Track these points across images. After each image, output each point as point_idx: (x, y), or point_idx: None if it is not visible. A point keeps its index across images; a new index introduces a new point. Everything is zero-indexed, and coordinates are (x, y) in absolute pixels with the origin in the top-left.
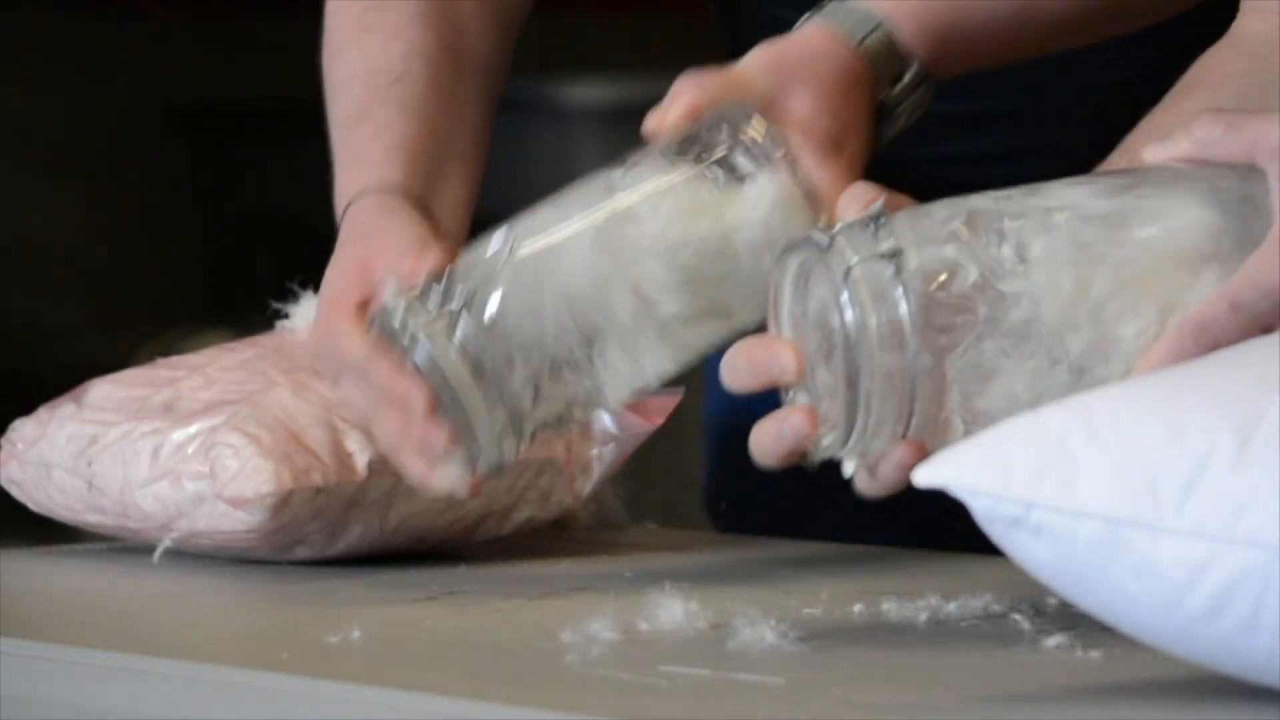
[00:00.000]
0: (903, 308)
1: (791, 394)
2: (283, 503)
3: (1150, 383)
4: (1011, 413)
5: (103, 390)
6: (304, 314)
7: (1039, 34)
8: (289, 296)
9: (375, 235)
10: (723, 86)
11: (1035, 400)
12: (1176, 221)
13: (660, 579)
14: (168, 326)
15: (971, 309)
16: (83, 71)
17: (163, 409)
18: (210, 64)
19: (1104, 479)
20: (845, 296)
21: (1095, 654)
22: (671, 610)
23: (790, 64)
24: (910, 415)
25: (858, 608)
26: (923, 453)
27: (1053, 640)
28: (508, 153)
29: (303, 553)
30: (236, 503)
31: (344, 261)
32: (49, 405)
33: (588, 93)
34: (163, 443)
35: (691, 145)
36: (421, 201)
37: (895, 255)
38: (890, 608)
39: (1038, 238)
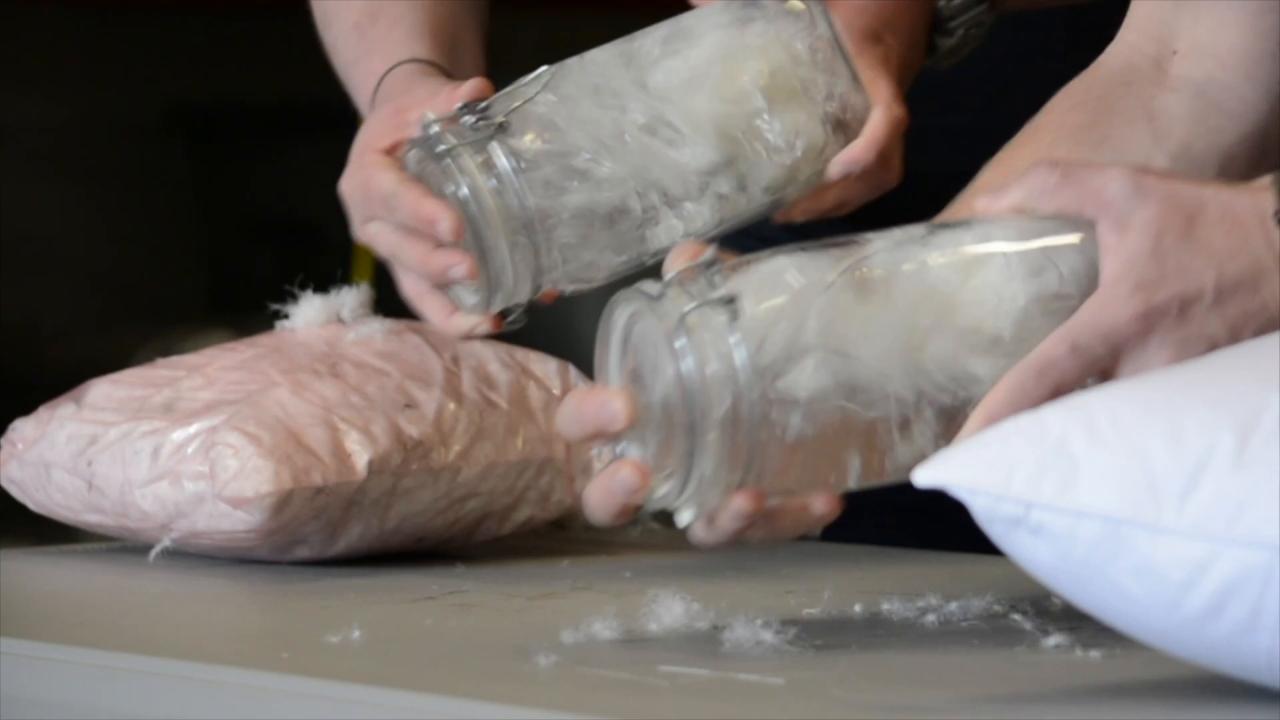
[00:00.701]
0: (738, 355)
1: (622, 445)
2: (283, 503)
3: (1150, 383)
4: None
5: (103, 390)
6: (304, 314)
7: None
8: (289, 296)
9: (411, 91)
10: None
11: (882, 441)
12: (1010, 269)
13: (660, 579)
14: (168, 326)
15: (808, 355)
16: (83, 71)
17: (163, 409)
18: (210, 64)
19: (1104, 479)
20: (680, 344)
21: (1095, 654)
22: (671, 610)
23: None
24: (748, 464)
25: (858, 608)
26: (760, 501)
27: (1053, 640)
28: None
29: (303, 553)
30: (236, 503)
31: (380, 114)
32: (49, 405)
33: None
34: (163, 443)
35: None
36: (447, 74)
37: (730, 302)
38: (890, 608)
39: (875, 286)
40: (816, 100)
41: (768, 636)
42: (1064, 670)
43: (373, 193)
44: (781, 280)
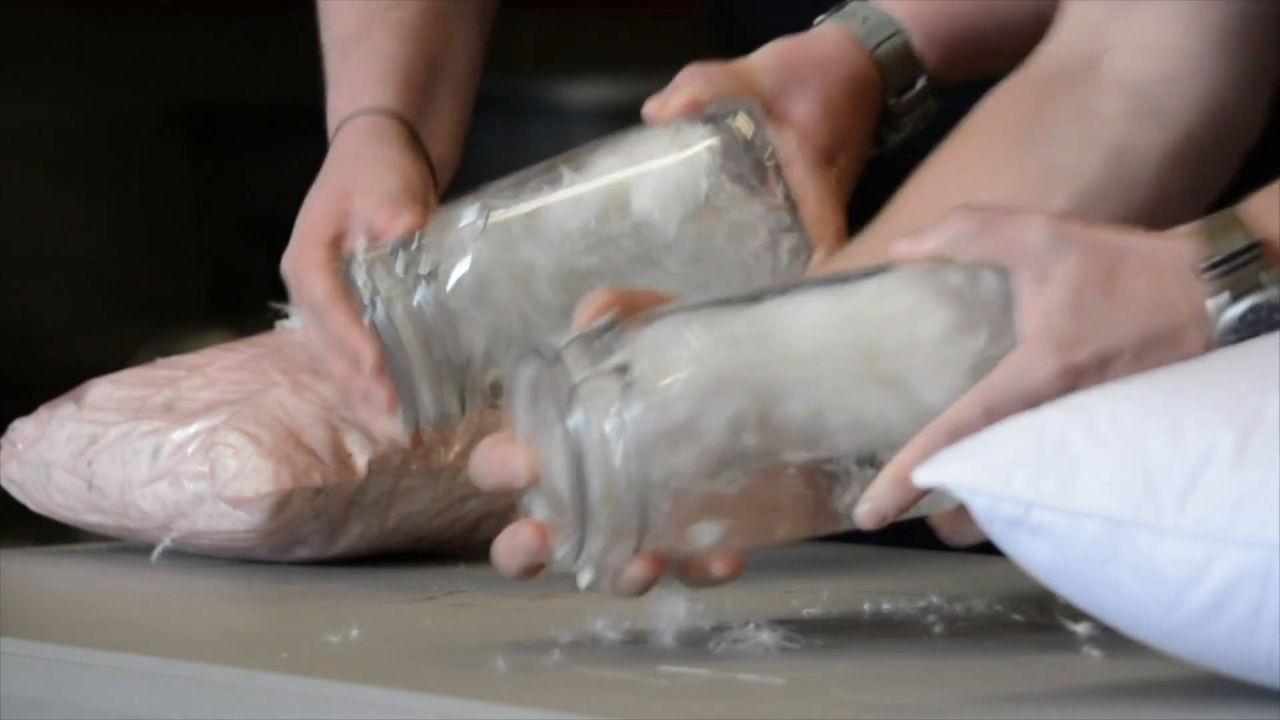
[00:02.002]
0: (629, 425)
1: (527, 500)
2: (282, 503)
3: (1150, 383)
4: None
5: (103, 390)
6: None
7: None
8: (289, 296)
9: (360, 168)
10: (727, 80)
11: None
12: (926, 322)
13: (660, 579)
14: (168, 326)
15: (704, 418)
16: (83, 71)
17: (163, 409)
18: (210, 64)
19: (1104, 479)
20: (573, 411)
21: (1095, 654)
22: (672, 610)
23: (800, 65)
24: (642, 530)
25: (858, 608)
26: (659, 566)
27: (1053, 640)
28: (507, 153)
29: (303, 553)
30: (236, 503)
31: (324, 191)
32: (49, 405)
33: (587, 93)
34: (163, 443)
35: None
36: (412, 128)
37: (623, 369)
38: (891, 608)
39: (787, 346)
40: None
41: (768, 636)
42: (1064, 670)
43: (304, 297)
44: (681, 338)
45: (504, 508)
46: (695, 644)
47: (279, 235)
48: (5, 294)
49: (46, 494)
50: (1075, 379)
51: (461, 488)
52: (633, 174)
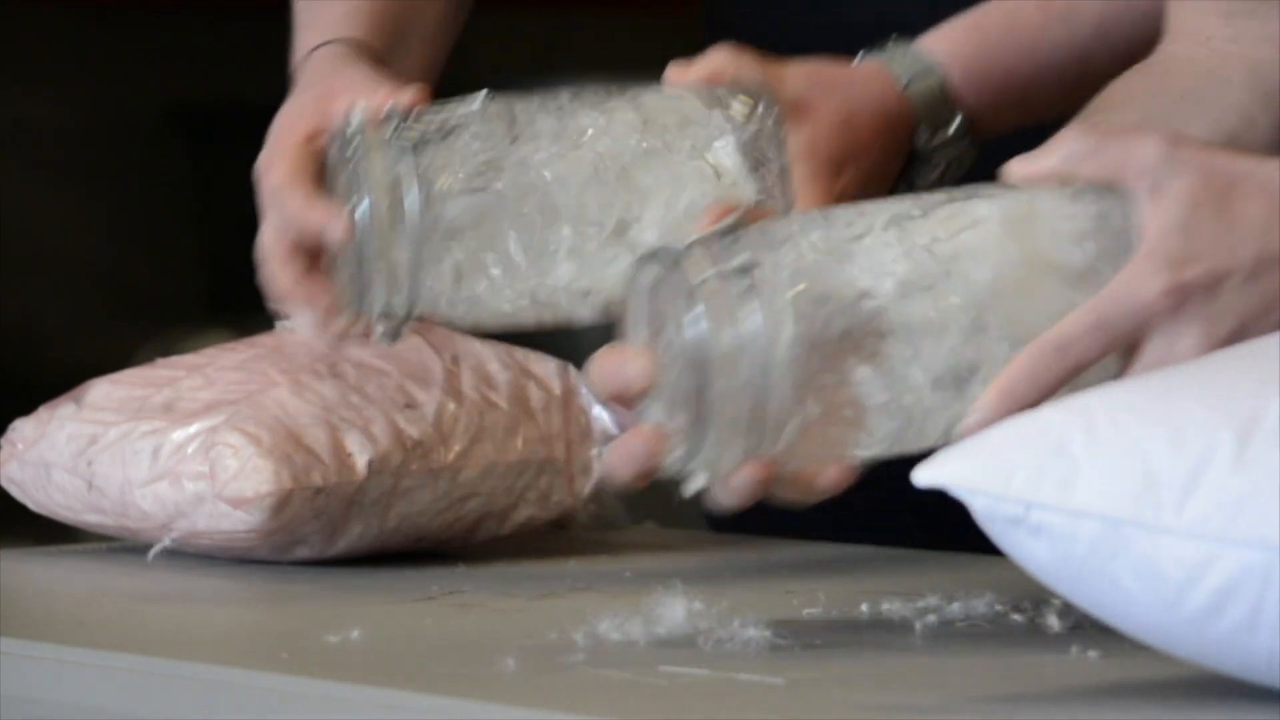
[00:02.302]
0: (753, 324)
1: (644, 405)
2: (282, 503)
3: (1150, 383)
4: (880, 428)
5: (103, 390)
6: (304, 314)
7: (1094, 89)
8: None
9: (337, 76)
10: (755, 69)
11: (905, 415)
12: (1041, 238)
13: (660, 579)
14: (168, 326)
15: (829, 323)
16: (83, 71)
17: (162, 409)
18: (210, 64)
19: (1104, 479)
20: (695, 312)
21: (1095, 654)
22: (672, 610)
23: (828, 80)
24: (761, 434)
25: (858, 608)
26: (770, 470)
27: (1053, 640)
28: None
29: (303, 553)
30: (236, 503)
31: (303, 95)
32: (49, 405)
33: None
34: (162, 443)
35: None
36: (381, 60)
37: (748, 270)
38: (890, 608)
39: (901, 253)
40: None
41: (768, 636)
42: (1064, 670)
43: (266, 185)
44: (805, 243)
45: (504, 507)
46: (695, 644)
47: None
48: (5, 294)
49: (46, 494)
50: (1185, 296)
51: (461, 488)
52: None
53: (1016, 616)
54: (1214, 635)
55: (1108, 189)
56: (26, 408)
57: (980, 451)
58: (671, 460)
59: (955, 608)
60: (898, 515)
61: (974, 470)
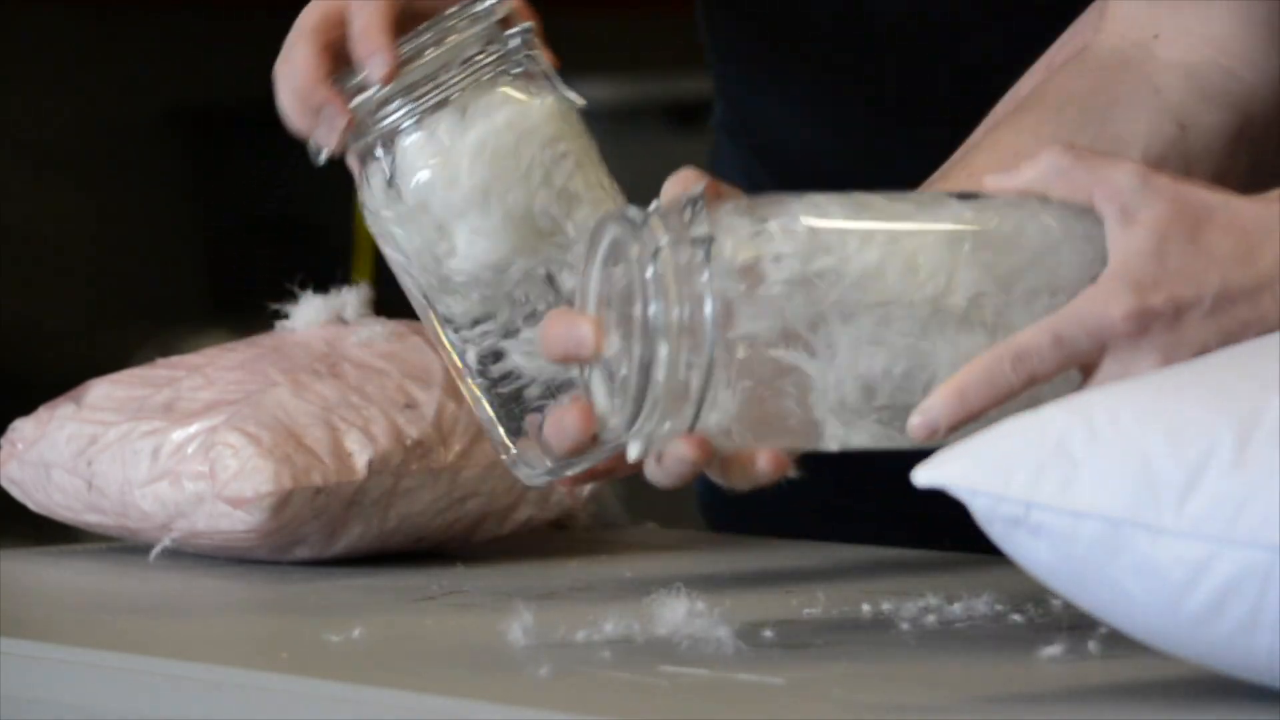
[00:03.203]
0: (706, 298)
1: (588, 371)
2: (282, 503)
3: (1150, 383)
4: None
5: (102, 390)
6: (304, 314)
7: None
8: (289, 296)
9: None
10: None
11: (848, 409)
12: (1014, 250)
13: (660, 579)
14: (168, 326)
15: (780, 306)
16: (83, 71)
17: (162, 409)
18: (210, 64)
19: (1104, 479)
20: (648, 277)
21: (1095, 654)
22: (672, 610)
23: None
24: (698, 409)
25: (858, 608)
26: (705, 449)
27: (1053, 641)
28: None
29: (303, 553)
30: (236, 503)
31: None
32: (49, 405)
33: (588, 93)
34: (162, 443)
35: None
36: None
37: (706, 242)
38: (890, 608)
39: (860, 242)
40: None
41: (768, 636)
42: (1064, 670)
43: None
44: (761, 224)
45: (503, 507)
46: (695, 644)
47: (279, 235)
48: (5, 294)
49: (46, 494)
50: (1148, 322)
51: (461, 488)
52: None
53: (1016, 616)
54: (1214, 635)
55: (1081, 208)
56: (26, 408)
57: (980, 452)
58: (613, 425)
59: (955, 608)
60: (898, 515)
61: (974, 470)
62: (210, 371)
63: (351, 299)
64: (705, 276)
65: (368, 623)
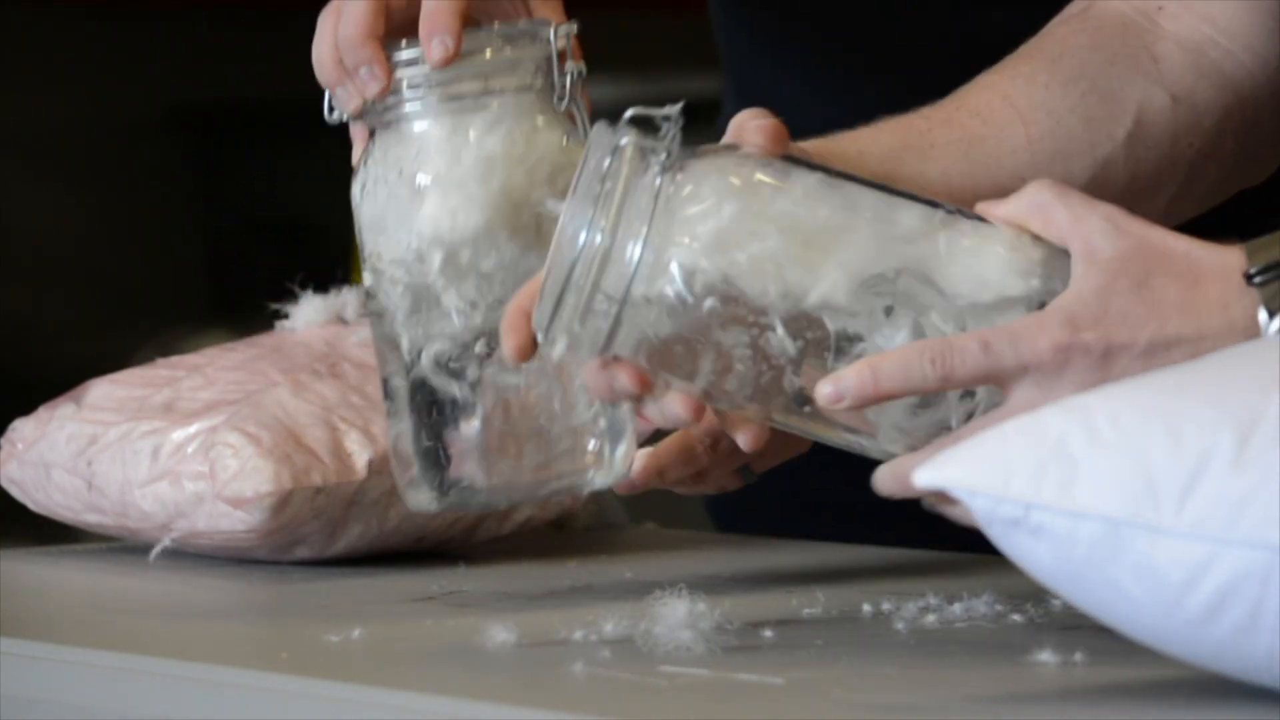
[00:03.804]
0: (642, 202)
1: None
2: (282, 503)
3: (1150, 383)
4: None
5: (102, 390)
6: (304, 314)
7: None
8: (289, 296)
9: None
10: None
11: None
12: (984, 269)
13: (660, 579)
14: (168, 326)
15: (714, 252)
16: (83, 71)
17: (162, 409)
18: (210, 64)
19: (1104, 479)
20: (600, 167)
21: (1095, 655)
22: (672, 610)
23: None
24: (616, 323)
25: (858, 608)
26: (643, 383)
27: (1052, 641)
28: None
29: (303, 553)
30: (236, 503)
31: None
32: (49, 405)
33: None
34: (162, 443)
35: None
36: None
37: (673, 172)
38: (890, 608)
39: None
40: None
41: (768, 636)
42: (1063, 671)
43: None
44: (725, 177)
45: (504, 507)
46: (695, 644)
47: (279, 235)
48: (5, 294)
49: (46, 494)
50: (1074, 356)
51: None
52: None
53: (1016, 616)
54: (1214, 636)
55: (1054, 247)
56: (26, 408)
57: (980, 452)
58: (535, 317)
59: (955, 608)
60: (898, 515)
61: (973, 471)
62: (210, 371)
63: (351, 299)
64: (651, 183)
65: (368, 623)
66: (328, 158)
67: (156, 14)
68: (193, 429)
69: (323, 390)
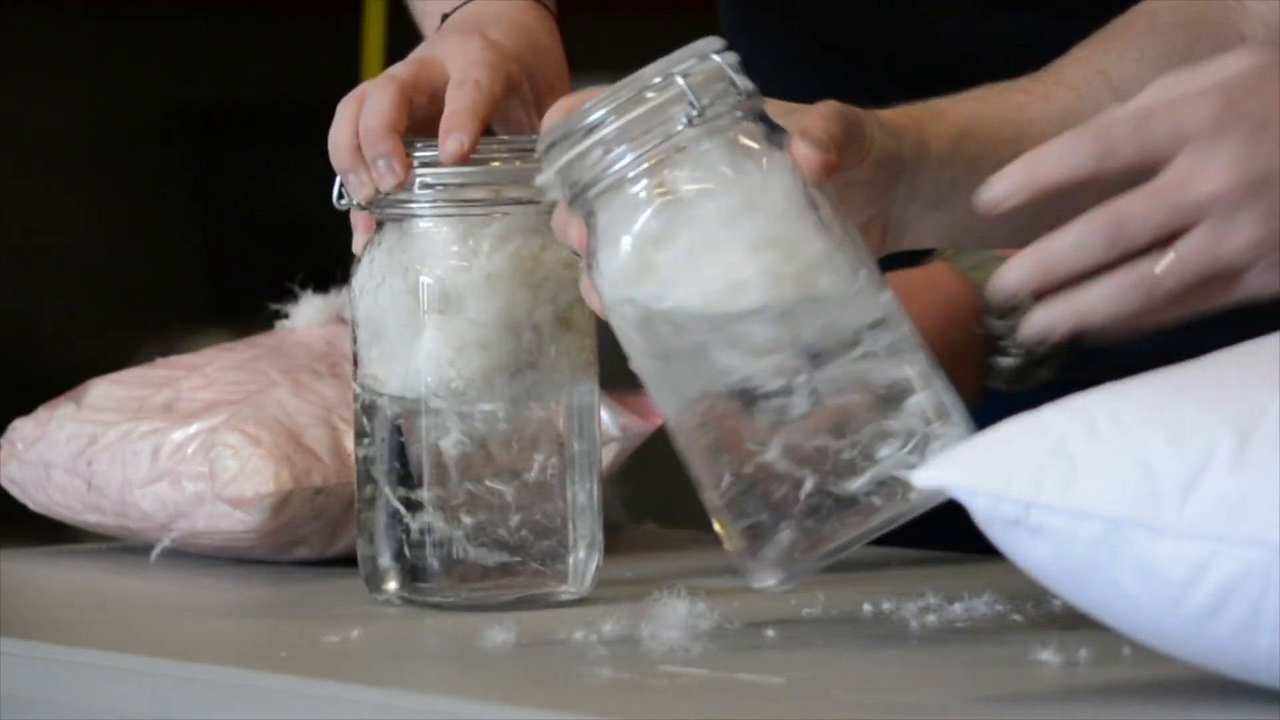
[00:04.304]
0: (677, 123)
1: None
2: (282, 503)
3: (1150, 383)
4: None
5: (102, 390)
6: (304, 314)
7: None
8: (289, 296)
9: (494, 25)
10: None
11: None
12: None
13: (660, 579)
14: (168, 326)
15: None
16: (83, 72)
17: (162, 409)
18: (210, 64)
19: (1104, 479)
20: (654, 79)
21: (1094, 655)
22: (672, 610)
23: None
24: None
25: (858, 608)
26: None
27: (1052, 641)
28: None
29: (303, 553)
30: (236, 503)
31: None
32: (49, 405)
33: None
34: (162, 443)
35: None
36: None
37: (709, 106)
38: (890, 608)
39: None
40: None
41: (768, 636)
42: (1063, 671)
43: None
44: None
45: None
46: (695, 644)
47: (279, 235)
48: (5, 294)
49: (46, 494)
50: (1231, 125)
51: None
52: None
53: (1016, 616)
54: (1214, 635)
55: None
56: (26, 408)
57: (979, 452)
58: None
59: (955, 608)
60: None
61: (973, 471)
62: (210, 371)
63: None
64: (687, 111)
65: (367, 623)
66: (328, 158)
67: (156, 14)
68: (193, 429)
69: (323, 390)
